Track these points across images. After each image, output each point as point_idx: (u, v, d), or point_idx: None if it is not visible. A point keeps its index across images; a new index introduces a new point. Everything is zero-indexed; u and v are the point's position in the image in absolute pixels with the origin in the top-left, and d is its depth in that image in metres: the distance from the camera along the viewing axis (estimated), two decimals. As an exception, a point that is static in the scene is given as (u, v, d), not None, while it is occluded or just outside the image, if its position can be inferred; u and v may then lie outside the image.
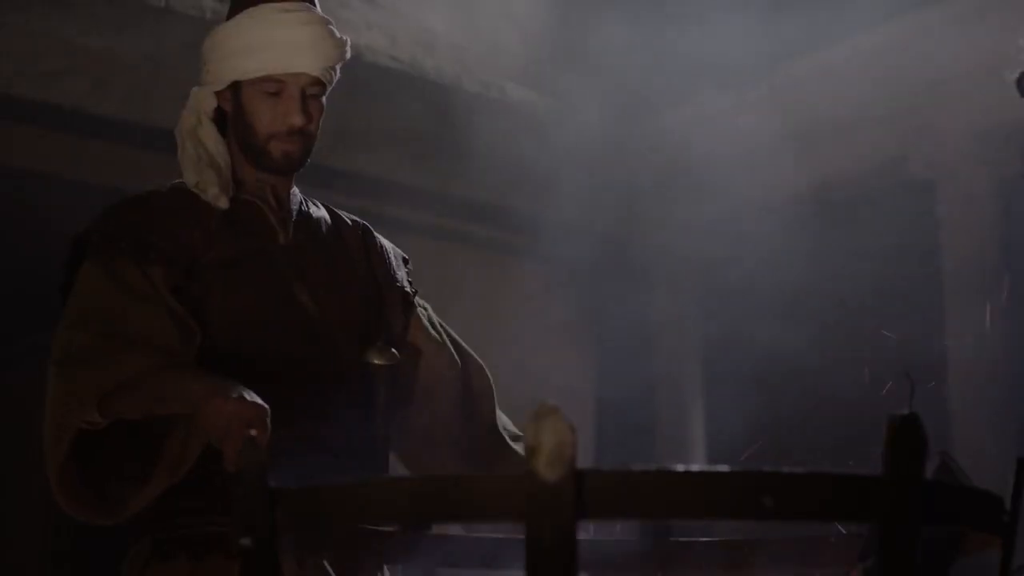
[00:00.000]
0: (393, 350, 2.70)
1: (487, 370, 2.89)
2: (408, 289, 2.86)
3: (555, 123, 6.35)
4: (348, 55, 2.72)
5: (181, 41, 5.27)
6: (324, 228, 2.79)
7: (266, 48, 2.63)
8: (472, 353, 2.89)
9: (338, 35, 2.70)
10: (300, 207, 2.78)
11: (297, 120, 2.65)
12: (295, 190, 2.78)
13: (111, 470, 2.55)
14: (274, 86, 2.65)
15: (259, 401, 2.35)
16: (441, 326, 2.89)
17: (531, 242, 6.79)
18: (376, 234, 2.88)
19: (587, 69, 6.59)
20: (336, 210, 2.87)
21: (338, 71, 2.73)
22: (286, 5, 2.66)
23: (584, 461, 1.33)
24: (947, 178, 6.20)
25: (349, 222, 2.85)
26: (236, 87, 2.68)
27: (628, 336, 6.90)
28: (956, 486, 1.47)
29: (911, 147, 6.19)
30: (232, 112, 2.70)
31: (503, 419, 2.90)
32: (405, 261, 2.90)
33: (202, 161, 2.69)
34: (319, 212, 2.82)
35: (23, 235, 5.32)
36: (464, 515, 1.39)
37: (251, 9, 2.67)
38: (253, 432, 2.24)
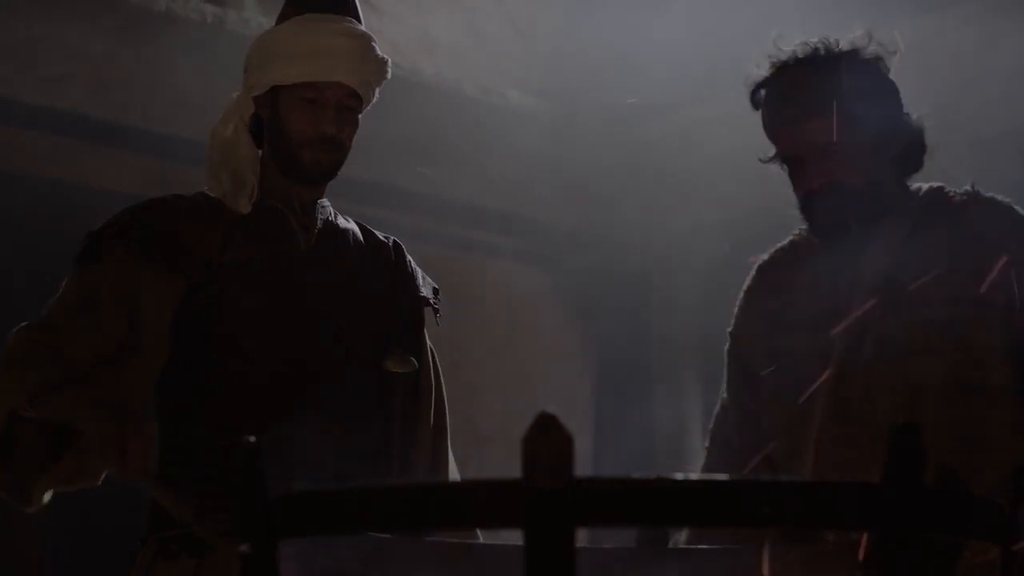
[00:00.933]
0: (412, 358, 2.72)
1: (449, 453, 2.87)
2: (435, 306, 2.87)
3: (554, 128, 6.35)
4: (388, 75, 2.74)
5: (181, 46, 5.27)
6: (351, 240, 2.81)
7: (308, 55, 2.66)
8: (447, 430, 2.87)
9: (380, 54, 2.72)
10: (328, 218, 2.80)
11: (330, 129, 2.67)
12: (324, 201, 2.81)
13: (25, 455, 2.60)
14: (312, 93, 2.67)
15: (140, 428, 2.42)
16: (436, 379, 2.88)
17: (531, 247, 6.79)
18: (408, 255, 2.89)
19: (587, 74, 6.59)
20: (368, 226, 2.89)
21: (377, 93, 2.75)
22: (331, 17, 2.70)
23: (582, 468, 1.32)
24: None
25: (381, 237, 2.88)
26: (274, 93, 2.70)
27: (627, 341, 6.89)
28: (956, 494, 1.47)
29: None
30: (268, 118, 2.72)
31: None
32: (435, 291, 2.90)
33: (224, 165, 2.71)
34: (348, 225, 2.84)
35: (23, 238, 5.31)
36: (462, 522, 1.39)
37: (297, 18, 2.71)
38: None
